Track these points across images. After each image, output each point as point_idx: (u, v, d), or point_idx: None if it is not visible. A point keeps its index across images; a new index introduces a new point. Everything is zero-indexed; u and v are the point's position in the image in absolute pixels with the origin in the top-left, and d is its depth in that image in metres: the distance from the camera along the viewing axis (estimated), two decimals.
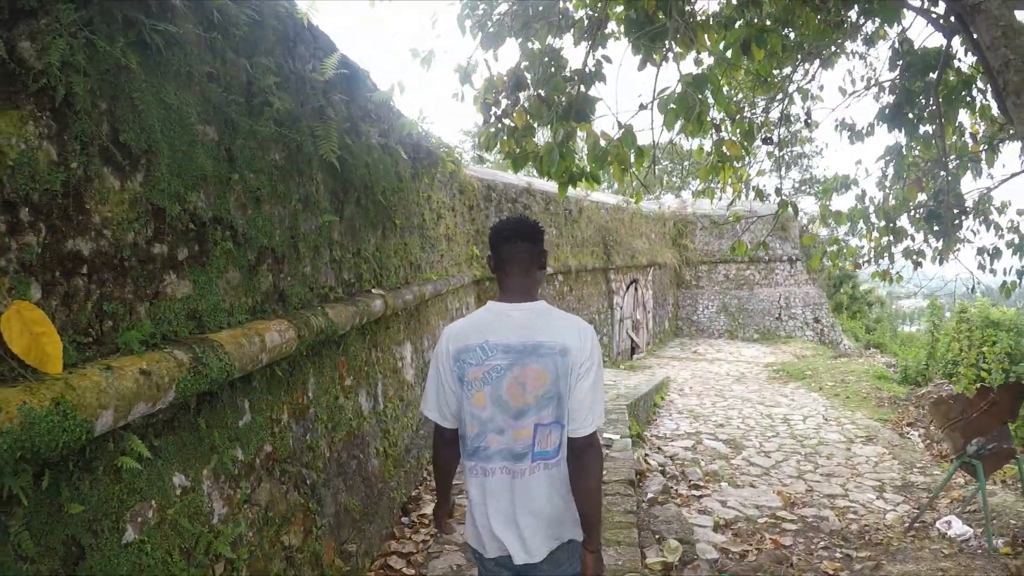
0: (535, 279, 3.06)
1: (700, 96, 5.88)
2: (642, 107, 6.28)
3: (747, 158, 8.34)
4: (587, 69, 6.80)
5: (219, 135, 3.61)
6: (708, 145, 7.78)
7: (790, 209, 8.28)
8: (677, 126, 6.99)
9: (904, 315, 57.31)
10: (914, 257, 10.11)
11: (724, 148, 6.62)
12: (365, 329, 5.86)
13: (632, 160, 6.62)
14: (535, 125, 7.36)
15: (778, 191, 9.51)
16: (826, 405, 15.29)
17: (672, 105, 5.87)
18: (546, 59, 7.15)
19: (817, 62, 9.13)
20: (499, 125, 7.38)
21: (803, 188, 48.23)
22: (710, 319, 27.65)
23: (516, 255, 3.01)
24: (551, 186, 17.94)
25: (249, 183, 3.89)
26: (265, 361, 3.58)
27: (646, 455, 9.79)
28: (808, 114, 8.93)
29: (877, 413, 14.47)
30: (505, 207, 14.80)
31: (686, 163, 50.17)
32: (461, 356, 2.92)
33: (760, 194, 8.93)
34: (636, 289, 22.41)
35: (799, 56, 8.77)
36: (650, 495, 7.34)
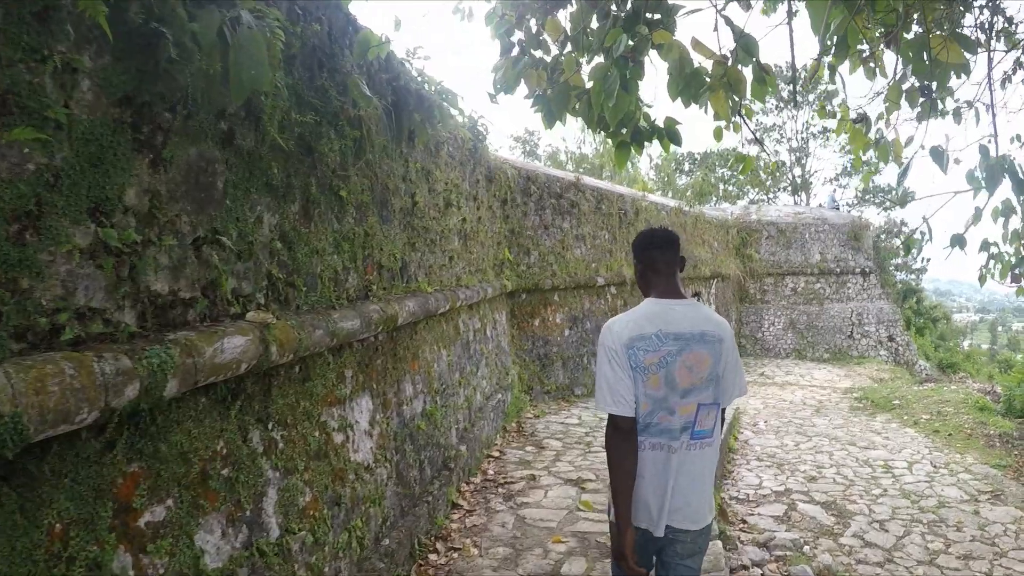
0: (680, 279, 3.31)
1: None
2: None
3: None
4: None
5: None
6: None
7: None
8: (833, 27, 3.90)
9: (959, 330, 53.53)
10: None
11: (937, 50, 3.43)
12: (227, 396, 2.85)
13: (749, 87, 3.57)
14: (580, 59, 4.51)
15: None
16: (928, 446, 12.09)
17: None
18: None
19: None
20: (524, 57, 4.57)
21: (867, 198, 44.41)
22: (776, 337, 24.12)
23: (668, 259, 3.24)
24: (604, 184, 14.88)
25: None
26: None
27: (739, 541, 6.76)
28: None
29: (991, 457, 11.27)
30: (547, 203, 11.78)
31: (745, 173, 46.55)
32: (634, 344, 3.06)
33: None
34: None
35: None
36: None
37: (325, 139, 3.64)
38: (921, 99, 4.15)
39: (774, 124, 46.50)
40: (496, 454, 7.83)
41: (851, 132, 5.40)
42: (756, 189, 46.86)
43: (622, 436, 3.08)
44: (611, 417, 3.09)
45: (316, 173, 3.69)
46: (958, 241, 4.80)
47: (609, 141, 5.08)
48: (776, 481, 9.48)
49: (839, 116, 5.62)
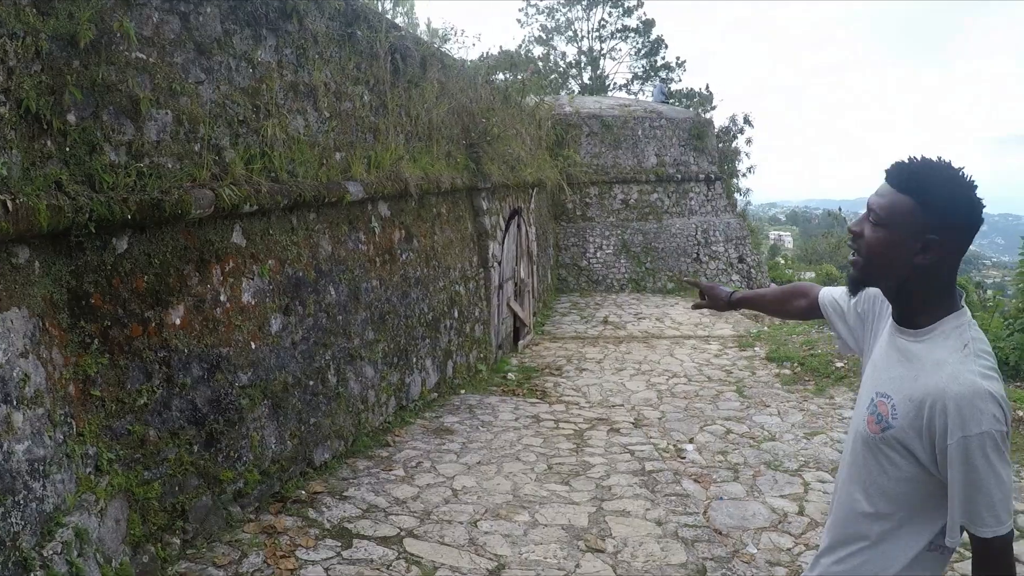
0: None
1: None
2: None
3: None
4: None
5: None
6: None
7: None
8: None
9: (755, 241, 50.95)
10: None
11: None
12: None
13: None
14: None
15: None
16: None
17: None
18: None
19: None
20: None
21: (671, 102, 38.89)
22: (606, 264, 17.52)
23: None
24: None
25: None
26: None
27: None
28: None
29: None
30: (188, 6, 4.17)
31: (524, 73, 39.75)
32: None
33: None
34: (520, 226, 12.07)
35: None
36: None
37: None
38: None
39: (567, 20, 39.92)
40: None
41: None
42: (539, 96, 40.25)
43: None
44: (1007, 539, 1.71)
45: None
46: None
47: None
48: None
49: None
